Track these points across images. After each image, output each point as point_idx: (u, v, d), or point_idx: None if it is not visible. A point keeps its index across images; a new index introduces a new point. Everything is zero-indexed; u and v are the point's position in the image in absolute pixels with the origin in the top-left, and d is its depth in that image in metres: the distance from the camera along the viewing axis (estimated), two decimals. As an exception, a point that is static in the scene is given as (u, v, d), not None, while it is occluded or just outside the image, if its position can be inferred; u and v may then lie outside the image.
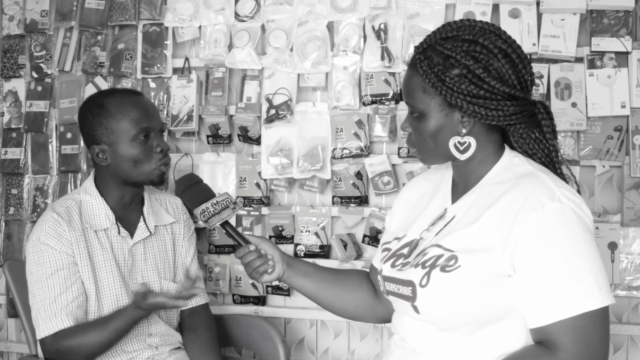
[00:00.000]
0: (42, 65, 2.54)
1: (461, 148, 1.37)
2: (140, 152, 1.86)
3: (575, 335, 1.23)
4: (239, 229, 2.32)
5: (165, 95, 2.42)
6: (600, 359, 1.25)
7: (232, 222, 1.61)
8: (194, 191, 1.61)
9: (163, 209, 2.04)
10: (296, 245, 2.32)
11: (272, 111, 2.29)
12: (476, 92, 1.31)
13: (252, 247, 1.58)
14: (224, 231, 1.59)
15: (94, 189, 1.91)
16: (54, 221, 1.83)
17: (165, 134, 2.34)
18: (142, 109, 1.89)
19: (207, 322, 2.06)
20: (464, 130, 1.36)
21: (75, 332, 1.79)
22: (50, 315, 1.79)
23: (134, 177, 1.88)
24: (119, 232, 1.90)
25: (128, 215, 1.95)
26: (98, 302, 1.85)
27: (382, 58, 2.19)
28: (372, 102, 2.23)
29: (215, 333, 2.06)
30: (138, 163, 1.87)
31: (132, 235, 1.93)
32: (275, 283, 2.33)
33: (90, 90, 2.45)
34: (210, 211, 1.55)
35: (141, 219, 1.96)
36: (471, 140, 1.37)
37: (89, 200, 1.90)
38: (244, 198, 2.34)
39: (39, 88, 2.56)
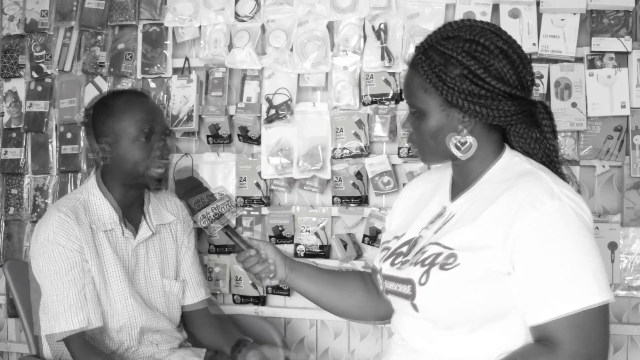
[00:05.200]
0: (42, 65, 2.55)
1: (462, 147, 1.38)
2: (139, 154, 1.86)
3: (574, 333, 1.23)
4: (239, 229, 2.32)
5: (165, 95, 2.42)
6: (600, 356, 1.25)
7: (232, 221, 1.61)
8: (193, 195, 1.61)
9: (163, 208, 2.05)
10: (296, 245, 2.31)
11: (272, 111, 2.29)
12: (476, 91, 1.32)
13: (252, 252, 1.58)
14: (224, 232, 1.59)
15: (96, 189, 1.91)
16: (62, 220, 1.81)
17: (170, 141, 2.34)
18: (145, 111, 1.89)
19: (211, 314, 2.10)
20: (464, 130, 1.36)
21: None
22: (71, 313, 1.77)
23: (131, 178, 1.88)
24: (122, 234, 1.90)
25: (130, 214, 1.95)
26: (108, 300, 1.85)
27: (382, 58, 2.19)
28: (372, 102, 2.23)
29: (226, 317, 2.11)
30: (135, 164, 1.87)
31: (135, 235, 1.93)
32: (276, 283, 2.33)
33: (90, 90, 2.45)
34: (210, 216, 1.56)
35: (143, 218, 1.96)
36: (471, 139, 1.37)
37: (93, 200, 1.90)
38: (244, 198, 2.34)
39: (39, 88, 2.56)
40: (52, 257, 1.80)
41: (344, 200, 2.27)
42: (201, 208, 1.57)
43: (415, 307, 1.35)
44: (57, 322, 1.78)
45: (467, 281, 1.29)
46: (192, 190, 1.63)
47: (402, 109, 2.20)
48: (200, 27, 2.37)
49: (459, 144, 1.38)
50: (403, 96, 1.47)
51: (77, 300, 1.78)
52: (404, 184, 2.19)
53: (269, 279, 1.60)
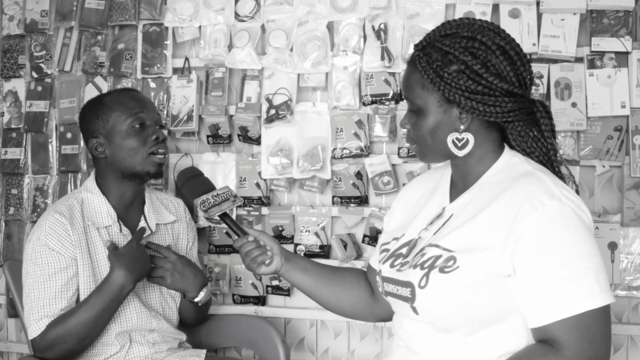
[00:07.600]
0: (42, 65, 2.55)
1: (459, 144, 1.38)
2: (135, 141, 1.88)
3: (579, 334, 1.23)
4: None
5: (165, 95, 2.42)
6: (604, 356, 1.25)
7: (233, 210, 1.61)
8: (195, 183, 1.62)
9: (164, 209, 2.05)
10: (296, 245, 2.32)
11: (272, 111, 2.29)
12: (474, 87, 1.32)
13: (250, 238, 1.58)
14: (220, 220, 1.59)
15: (95, 187, 1.92)
16: (56, 221, 1.82)
17: (165, 132, 2.34)
18: (136, 101, 1.93)
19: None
20: (462, 127, 1.36)
21: (59, 322, 1.77)
22: (41, 317, 1.77)
23: (130, 168, 1.89)
24: (120, 230, 1.90)
25: (129, 214, 1.95)
26: None
27: (382, 58, 2.19)
28: (372, 102, 2.23)
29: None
30: (133, 151, 1.88)
31: (133, 233, 1.93)
32: (275, 283, 2.33)
33: (90, 90, 2.45)
34: (210, 202, 1.56)
35: (142, 217, 1.96)
36: (469, 136, 1.37)
37: (91, 198, 1.91)
38: (244, 198, 2.34)
39: (39, 88, 2.56)
40: (38, 259, 1.80)
41: (344, 200, 2.27)
42: (201, 194, 1.58)
43: (415, 309, 1.35)
44: (29, 324, 1.79)
45: (467, 284, 1.29)
46: (193, 179, 1.63)
47: (402, 109, 2.20)
48: (200, 27, 2.37)
49: (456, 141, 1.38)
50: (402, 94, 1.47)
51: (46, 306, 1.77)
52: (404, 184, 2.19)
53: (265, 266, 1.59)
